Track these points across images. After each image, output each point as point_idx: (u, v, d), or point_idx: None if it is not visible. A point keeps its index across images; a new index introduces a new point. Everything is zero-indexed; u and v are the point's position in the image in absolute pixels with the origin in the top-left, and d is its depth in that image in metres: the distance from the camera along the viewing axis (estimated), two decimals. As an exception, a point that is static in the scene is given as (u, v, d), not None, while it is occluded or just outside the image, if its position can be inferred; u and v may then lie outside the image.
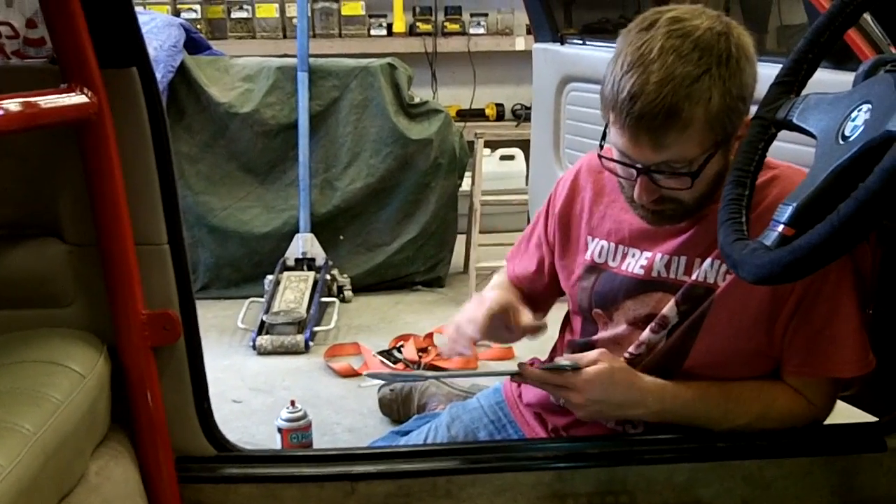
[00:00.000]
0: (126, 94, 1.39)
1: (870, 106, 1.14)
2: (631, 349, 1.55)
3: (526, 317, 1.56)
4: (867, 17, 1.57)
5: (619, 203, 1.58)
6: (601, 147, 1.46)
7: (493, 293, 1.60)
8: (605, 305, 1.59)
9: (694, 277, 1.49)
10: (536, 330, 1.56)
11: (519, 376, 1.55)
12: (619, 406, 1.49)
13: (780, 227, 1.17)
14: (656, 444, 1.54)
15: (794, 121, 1.29)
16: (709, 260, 1.47)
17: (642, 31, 1.36)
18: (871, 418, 1.65)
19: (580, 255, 1.64)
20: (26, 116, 1.20)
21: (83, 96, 1.32)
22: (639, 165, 1.39)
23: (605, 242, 1.60)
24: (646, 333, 1.53)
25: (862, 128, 1.13)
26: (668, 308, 1.51)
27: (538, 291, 1.75)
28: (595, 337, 1.62)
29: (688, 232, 1.50)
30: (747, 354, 1.50)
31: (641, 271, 1.54)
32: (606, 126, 1.43)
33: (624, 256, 1.58)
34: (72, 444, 1.26)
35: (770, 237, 1.18)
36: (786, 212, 1.17)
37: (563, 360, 1.52)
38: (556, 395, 1.55)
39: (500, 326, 1.54)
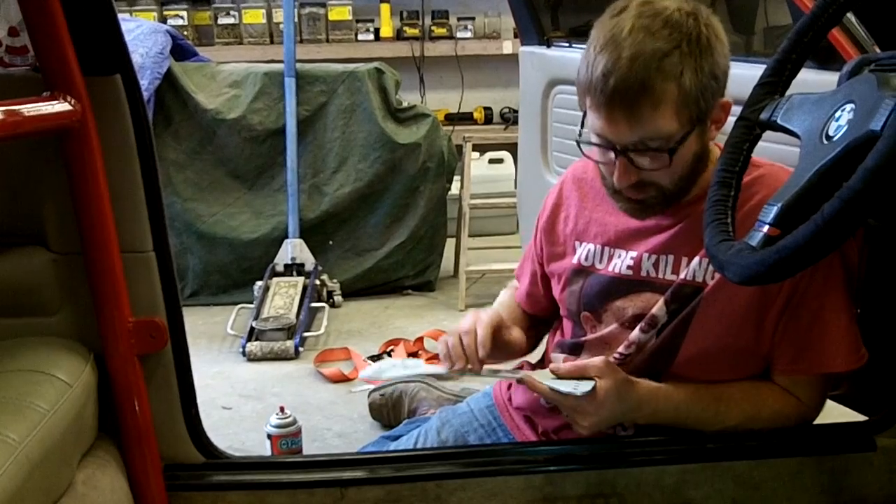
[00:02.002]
0: (110, 102, 1.38)
1: (853, 106, 1.15)
2: (621, 349, 1.55)
3: (514, 332, 1.64)
4: (851, 16, 1.57)
5: (603, 206, 1.59)
6: (580, 136, 1.48)
7: (488, 311, 1.63)
8: (594, 307, 1.59)
9: (682, 276, 1.49)
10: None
11: (523, 382, 1.56)
12: (620, 416, 1.49)
13: (766, 228, 1.17)
14: (646, 447, 1.54)
15: (779, 121, 1.29)
16: (696, 259, 1.47)
17: (613, 17, 1.40)
18: (860, 417, 1.65)
19: (568, 260, 1.64)
20: (9, 124, 1.19)
21: (66, 104, 1.31)
22: (616, 146, 1.40)
23: (591, 245, 1.61)
24: (635, 333, 1.53)
25: (846, 128, 1.14)
26: (658, 308, 1.51)
27: (542, 306, 1.77)
28: (584, 339, 1.62)
29: (673, 229, 1.50)
30: (736, 353, 1.50)
31: (630, 271, 1.55)
32: (584, 116, 1.45)
33: (610, 258, 1.58)
34: (58, 454, 1.25)
35: (755, 238, 1.18)
36: (771, 212, 1.17)
37: (568, 384, 1.48)
38: (563, 411, 1.53)
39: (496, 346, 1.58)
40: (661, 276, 1.52)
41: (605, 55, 1.36)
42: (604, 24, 1.40)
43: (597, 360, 1.50)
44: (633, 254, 1.54)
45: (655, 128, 1.37)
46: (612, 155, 1.42)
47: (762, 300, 1.45)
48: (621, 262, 1.56)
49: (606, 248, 1.59)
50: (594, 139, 1.44)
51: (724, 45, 1.41)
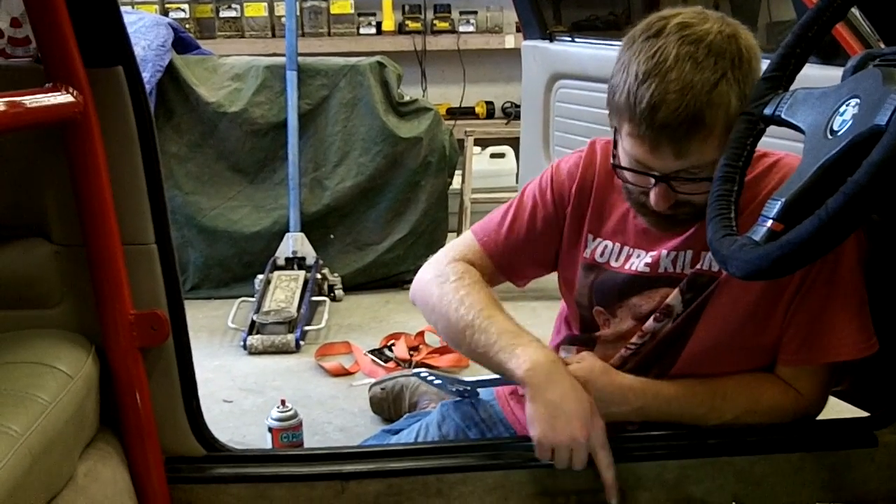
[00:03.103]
0: (112, 94, 1.38)
1: (858, 100, 1.14)
2: (634, 339, 1.55)
3: None
4: (856, 11, 1.57)
5: (622, 203, 1.56)
6: (614, 157, 1.45)
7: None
8: (608, 303, 1.58)
9: (698, 267, 1.49)
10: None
11: None
12: (600, 404, 1.48)
13: (769, 223, 1.17)
14: (646, 441, 1.53)
15: (783, 116, 1.29)
16: None
17: (651, 38, 1.35)
18: (862, 413, 1.65)
19: (580, 252, 1.62)
20: (10, 116, 1.19)
21: (68, 96, 1.31)
22: (656, 173, 1.38)
23: (608, 243, 1.58)
24: (649, 323, 1.53)
25: (850, 122, 1.13)
26: (673, 297, 1.51)
27: (522, 273, 1.70)
28: (598, 334, 1.61)
29: (692, 228, 1.49)
30: (746, 343, 1.49)
31: (647, 269, 1.53)
32: (616, 134, 1.43)
33: (628, 257, 1.56)
34: (59, 446, 1.25)
35: (759, 232, 1.18)
36: (774, 207, 1.17)
37: None
38: None
39: None
40: (678, 270, 1.51)
41: (650, 86, 1.31)
42: (640, 47, 1.35)
43: (581, 353, 1.52)
44: (653, 253, 1.53)
45: (701, 157, 1.35)
46: (650, 180, 1.40)
47: (775, 288, 1.45)
48: (639, 260, 1.54)
49: (625, 248, 1.57)
50: (626, 162, 1.42)
51: (760, 61, 1.39)
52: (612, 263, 1.57)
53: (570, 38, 3.12)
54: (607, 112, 1.44)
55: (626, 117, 1.36)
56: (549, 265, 1.68)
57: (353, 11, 5.27)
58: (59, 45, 1.31)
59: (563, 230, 1.63)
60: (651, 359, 1.53)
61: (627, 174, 1.44)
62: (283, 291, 3.61)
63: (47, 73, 1.33)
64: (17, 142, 1.40)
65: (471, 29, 5.40)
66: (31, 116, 1.25)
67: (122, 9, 1.39)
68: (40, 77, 1.33)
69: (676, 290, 1.50)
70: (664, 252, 1.52)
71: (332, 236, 4.02)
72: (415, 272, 1.71)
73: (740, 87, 1.34)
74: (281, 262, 3.86)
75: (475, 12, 5.42)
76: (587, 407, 1.41)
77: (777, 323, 1.47)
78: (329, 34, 5.27)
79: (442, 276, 1.61)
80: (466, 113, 5.52)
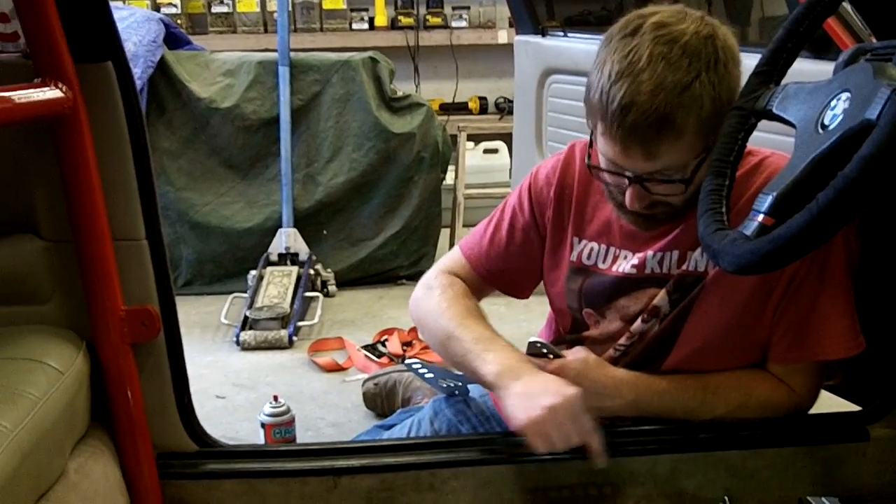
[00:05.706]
0: (101, 89, 1.37)
1: (849, 95, 1.14)
2: (622, 340, 1.55)
3: None
4: (847, 6, 1.57)
5: (605, 203, 1.55)
6: (589, 156, 1.45)
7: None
8: (597, 305, 1.58)
9: (684, 267, 1.49)
10: None
11: None
12: (593, 396, 1.48)
13: (760, 217, 1.17)
14: (638, 436, 1.53)
15: (774, 110, 1.29)
16: (699, 249, 1.46)
17: (626, 37, 1.34)
18: (853, 407, 1.65)
19: (566, 255, 1.62)
20: (-1, 111, 1.18)
21: (57, 91, 1.30)
22: (629, 174, 1.37)
23: (594, 245, 1.58)
24: (637, 324, 1.53)
25: (841, 117, 1.13)
26: (660, 298, 1.51)
27: (515, 284, 1.72)
28: (586, 334, 1.61)
29: (677, 228, 1.49)
30: (735, 341, 1.50)
31: (634, 270, 1.53)
32: (592, 133, 1.42)
33: (615, 259, 1.56)
34: (50, 442, 1.25)
35: (750, 227, 1.18)
36: (765, 201, 1.17)
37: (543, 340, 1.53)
38: None
39: None
40: (664, 271, 1.51)
41: (622, 86, 1.30)
42: (616, 46, 1.34)
43: (575, 348, 1.52)
44: (639, 254, 1.53)
45: (673, 159, 1.34)
46: (624, 180, 1.39)
47: (763, 287, 1.45)
48: (627, 262, 1.54)
49: (612, 249, 1.56)
50: (604, 163, 1.41)
51: (739, 66, 1.37)
52: (600, 265, 1.57)
53: (562, 34, 3.12)
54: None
55: (598, 117, 1.36)
56: (539, 272, 1.69)
57: (345, 7, 5.27)
58: (48, 40, 1.30)
59: (545, 236, 1.64)
60: (640, 359, 1.53)
61: (604, 174, 1.43)
62: (276, 287, 3.61)
63: (36, 68, 1.32)
64: (5, 137, 1.39)
65: (463, 24, 5.39)
66: (20, 112, 1.25)
67: (113, 4, 1.39)
68: (29, 73, 1.32)
69: (663, 291, 1.50)
70: (650, 253, 1.51)
71: (325, 232, 4.01)
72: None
73: (715, 89, 1.32)
74: (274, 257, 3.85)
75: (468, 7, 5.41)
76: (557, 387, 1.39)
77: (766, 323, 1.48)
78: (321, 29, 5.26)
79: (430, 289, 1.68)
80: (459, 108, 5.52)
